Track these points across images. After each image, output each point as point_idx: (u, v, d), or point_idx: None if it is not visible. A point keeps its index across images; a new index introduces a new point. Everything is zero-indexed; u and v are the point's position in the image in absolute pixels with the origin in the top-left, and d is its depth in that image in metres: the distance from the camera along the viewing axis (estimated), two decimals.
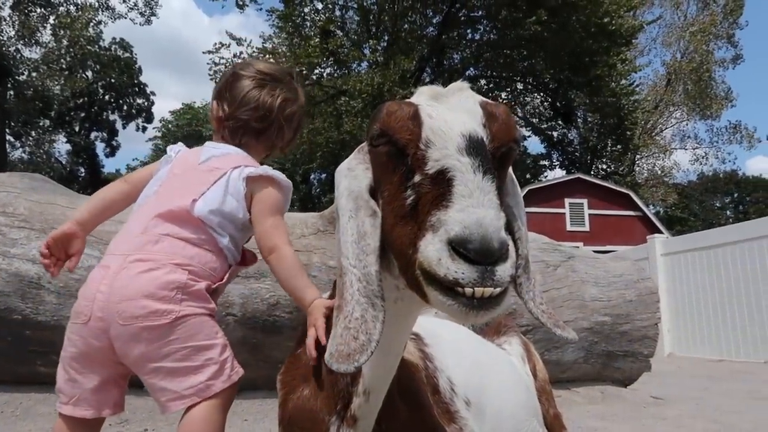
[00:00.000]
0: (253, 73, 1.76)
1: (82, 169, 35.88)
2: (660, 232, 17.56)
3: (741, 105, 48.86)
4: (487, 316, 0.92)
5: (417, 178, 0.99)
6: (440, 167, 0.97)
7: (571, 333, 1.14)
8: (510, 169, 1.19)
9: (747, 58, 38.92)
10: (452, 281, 0.87)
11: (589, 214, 19.70)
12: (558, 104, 28.64)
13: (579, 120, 30.07)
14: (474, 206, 0.90)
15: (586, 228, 19.44)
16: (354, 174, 1.16)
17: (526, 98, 29.79)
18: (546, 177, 29.77)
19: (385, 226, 1.08)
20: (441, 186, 0.95)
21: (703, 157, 34.24)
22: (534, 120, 30.83)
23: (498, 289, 0.89)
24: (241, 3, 21.60)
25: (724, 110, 31.67)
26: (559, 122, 30.11)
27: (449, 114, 1.03)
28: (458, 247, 0.87)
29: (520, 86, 28.30)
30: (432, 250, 0.90)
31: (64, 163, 35.13)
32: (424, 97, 1.10)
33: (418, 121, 1.02)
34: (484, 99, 1.09)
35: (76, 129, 34.96)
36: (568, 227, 19.12)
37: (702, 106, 31.15)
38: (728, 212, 46.08)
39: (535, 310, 1.15)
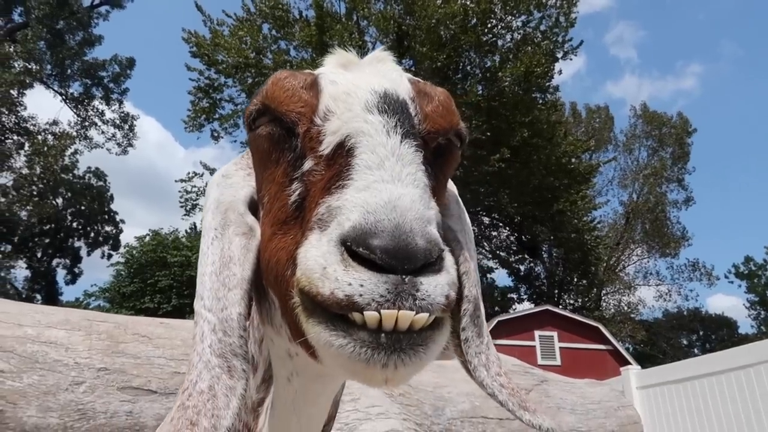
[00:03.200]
0: None
1: (39, 297, 34.40)
2: None
3: (697, 244, 51.26)
4: (406, 369, 0.55)
5: (308, 164, 0.69)
6: (340, 138, 0.66)
7: (544, 419, 0.76)
8: (453, 187, 0.89)
9: (698, 200, 41.33)
10: (343, 301, 0.53)
11: (560, 348, 19.29)
12: (524, 238, 29.33)
13: (545, 254, 30.68)
14: (384, 180, 0.59)
15: (558, 362, 18.88)
16: (229, 182, 0.83)
17: (492, 232, 30.49)
18: (515, 309, 29.64)
19: (261, 245, 0.74)
20: (338, 163, 0.64)
21: (666, 294, 34.80)
22: (501, 253, 31.31)
23: (423, 316, 0.54)
24: (216, 135, 22.34)
25: (682, 249, 32.87)
26: (526, 256, 30.62)
27: (360, 77, 0.75)
28: (356, 247, 0.54)
29: (486, 220, 29.07)
30: (314, 257, 0.57)
31: (19, 289, 33.71)
32: (330, 66, 0.81)
33: (316, 90, 0.73)
34: (416, 78, 0.82)
35: (38, 255, 34.08)
36: (539, 360, 18.57)
37: (661, 244, 32.29)
38: (696, 350, 46.02)
39: (490, 383, 0.76)
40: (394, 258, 0.53)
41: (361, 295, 0.53)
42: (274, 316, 0.75)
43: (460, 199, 0.91)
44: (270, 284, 0.72)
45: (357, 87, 0.72)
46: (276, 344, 0.79)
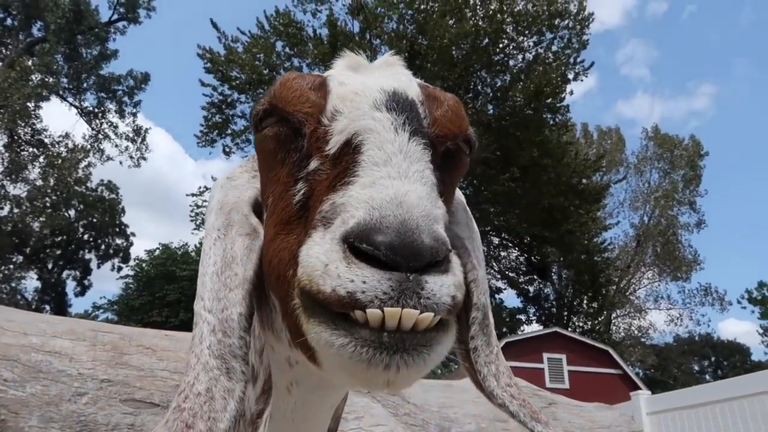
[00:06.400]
0: None
1: (48, 308, 34.54)
2: None
3: (709, 268, 50.66)
4: (408, 372, 0.52)
5: (313, 164, 0.67)
6: (347, 136, 0.65)
7: (557, 431, 0.76)
8: (461, 195, 0.88)
9: (710, 223, 40.91)
10: (345, 298, 0.51)
11: (569, 371, 19.02)
12: (533, 259, 29.14)
13: (554, 276, 30.45)
14: (391, 177, 0.57)
15: (566, 385, 18.61)
16: (233, 184, 0.82)
17: (501, 253, 30.33)
18: (523, 331, 29.37)
19: (264, 246, 0.72)
20: (344, 161, 0.63)
21: (677, 318, 34.33)
22: (510, 274, 31.11)
23: (428, 315, 0.52)
24: (227, 150, 22.50)
25: (694, 272, 32.50)
26: (535, 277, 30.41)
27: (369, 78, 0.74)
28: (360, 243, 0.52)
29: (495, 240, 28.96)
30: (316, 254, 0.55)
31: (29, 299, 33.89)
32: (339, 68, 0.80)
33: (324, 90, 0.72)
34: (426, 83, 0.81)
35: (49, 266, 34.30)
36: (548, 383, 18.31)
37: (672, 267, 31.96)
38: (707, 376, 45.30)
39: (500, 393, 0.74)
40: (398, 255, 0.51)
41: (363, 292, 0.51)
42: (275, 321, 0.73)
43: (467, 207, 0.90)
44: (271, 286, 0.70)
45: (366, 86, 0.71)
46: (276, 351, 0.77)
